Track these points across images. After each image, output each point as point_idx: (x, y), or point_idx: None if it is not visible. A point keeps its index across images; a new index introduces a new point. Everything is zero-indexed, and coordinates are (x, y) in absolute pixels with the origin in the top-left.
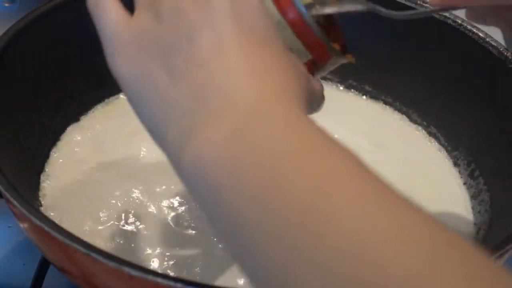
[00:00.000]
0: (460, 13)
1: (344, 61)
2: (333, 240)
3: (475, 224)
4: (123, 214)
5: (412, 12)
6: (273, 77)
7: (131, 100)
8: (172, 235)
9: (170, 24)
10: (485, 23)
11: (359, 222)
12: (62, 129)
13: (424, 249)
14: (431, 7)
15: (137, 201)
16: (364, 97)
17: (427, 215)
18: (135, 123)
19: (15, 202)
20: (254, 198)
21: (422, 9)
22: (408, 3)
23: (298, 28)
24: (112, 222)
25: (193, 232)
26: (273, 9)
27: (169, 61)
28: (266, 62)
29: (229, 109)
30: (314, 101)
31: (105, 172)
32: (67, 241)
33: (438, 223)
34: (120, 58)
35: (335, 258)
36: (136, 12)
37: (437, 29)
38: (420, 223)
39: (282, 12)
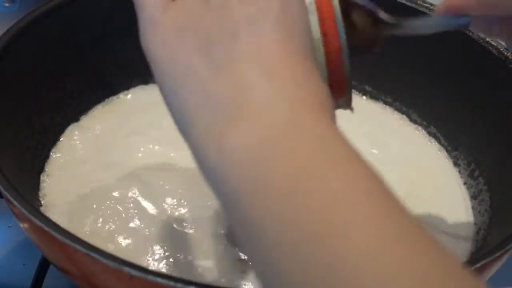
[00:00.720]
0: None
1: (345, 107)
2: (341, 272)
3: (475, 224)
4: (123, 214)
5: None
6: (312, 88)
7: (161, 82)
8: (172, 235)
9: (216, 16)
10: (491, 34)
11: (366, 256)
12: (62, 129)
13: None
14: (435, 17)
15: (137, 201)
16: (364, 97)
17: (441, 250)
18: (135, 123)
19: (15, 202)
20: (271, 210)
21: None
22: (408, 3)
23: (333, 58)
24: (112, 222)
25: (194, 231)
26: (315, 26)
27: (210, 52)
28: (305, 72)
29: (268, 114)
30: None
31: (105, 172)
32: (67, 241)
33: (454, 263)
34: (156, 39)
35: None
36: None
37: None
38: (435, 264)
39: (324, 34)
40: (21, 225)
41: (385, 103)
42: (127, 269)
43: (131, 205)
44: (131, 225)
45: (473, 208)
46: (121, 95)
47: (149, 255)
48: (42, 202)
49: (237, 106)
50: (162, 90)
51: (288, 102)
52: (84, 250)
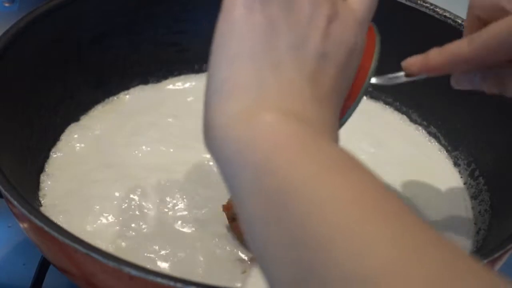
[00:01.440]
0: (460, 13)
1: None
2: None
3: (475, 224)
4: (123, 214)
5: (391, 76)
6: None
7: (222, 39)
8: (172, 235)
9: (298, 28)
10: (472, 86)
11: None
12: (62, 129)
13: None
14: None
15: (137, 201)
16: (364, 97)
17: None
18: (135, 123)
19: (15, 202)
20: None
21: (400, 76)
22: (408, 3)
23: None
24: (112, 222)
25: (194, 231)
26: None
27: (276, 45)
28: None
29: (310, 116)
30: None
31: (105, 172)
32: (67, 241)
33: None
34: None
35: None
36: None
37: (437, 29)
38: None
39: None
40: (21, 225)
41: (385, 103)
42: (127, 269)
43: (131, 205)
44: (131, 225)
45: (473, 208)
46: (121, 95)
47: (150, 255)
48: (42, 202)
49: (278, 100)
50: (218, 47)
51: (322, 117)
52: (84, 250)
